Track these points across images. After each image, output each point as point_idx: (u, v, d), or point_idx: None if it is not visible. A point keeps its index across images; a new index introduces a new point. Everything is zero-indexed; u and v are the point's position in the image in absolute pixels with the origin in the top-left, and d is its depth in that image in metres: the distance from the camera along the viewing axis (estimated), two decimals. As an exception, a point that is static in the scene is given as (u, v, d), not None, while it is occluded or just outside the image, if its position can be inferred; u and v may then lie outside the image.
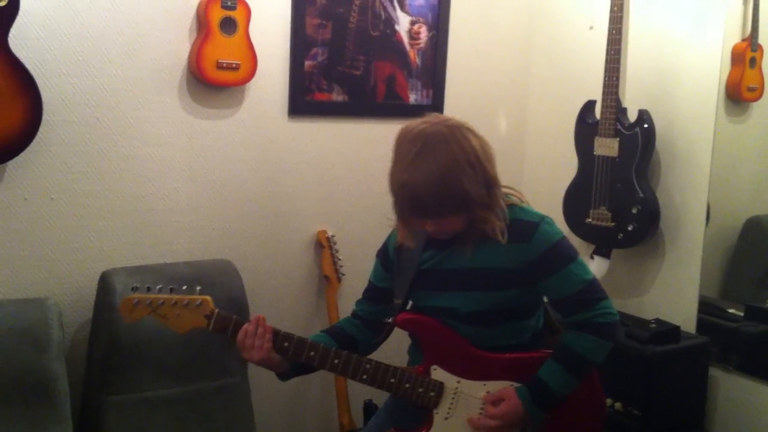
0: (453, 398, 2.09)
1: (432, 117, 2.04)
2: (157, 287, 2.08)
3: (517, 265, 2.04)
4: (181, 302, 2.06)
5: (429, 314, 2.13)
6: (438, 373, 2.10)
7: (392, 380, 2.08)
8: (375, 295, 2.32)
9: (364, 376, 2.08)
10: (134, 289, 2.08)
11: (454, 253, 2.09)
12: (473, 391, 2.10)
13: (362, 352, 2.21)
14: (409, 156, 1.96)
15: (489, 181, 1.99)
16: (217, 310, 2.07)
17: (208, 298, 2.08)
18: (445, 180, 1.91)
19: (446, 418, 2.10)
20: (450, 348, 2.11)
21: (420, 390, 2.08)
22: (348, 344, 2.22)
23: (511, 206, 2.08)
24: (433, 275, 2.13)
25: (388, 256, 2.27)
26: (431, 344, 2.12)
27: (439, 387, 2.09)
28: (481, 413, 2.09)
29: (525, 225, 2.04)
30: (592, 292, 2.06)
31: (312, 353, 2.07)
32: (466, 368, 2.10)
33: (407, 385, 2.08)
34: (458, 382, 2.10)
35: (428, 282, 2.14)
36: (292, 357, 2.09)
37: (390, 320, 2.19)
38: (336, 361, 2.07)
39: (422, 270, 2.14)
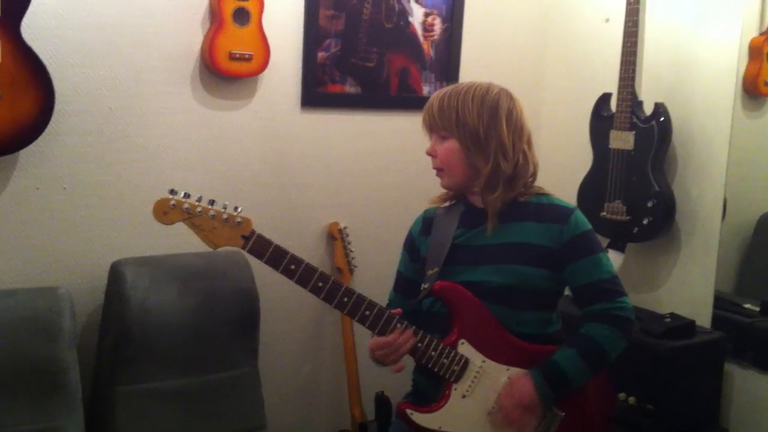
0: (475, 376, 2.08)
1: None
2: (198, 196, 2.02)
3: (551, 243, 2.08)
4: (220, 216, 2.00)
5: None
6: (465, 348, 2.08)
7: (419, 345, 2.06)
8: (405, 285, 2.31)
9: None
10: (173, 192, 2.00)
11: (484, 230, 2.13)
12: (496, 373, 2.08)
13: None
14: None
15: (499, 140, 2.08)
16: (258, 232, 2.01)
17: (250, 219, 2.02)
18: (456, 94, 2.10)
19: (464, 396, 2.08)
20: (481, 325, 2.09)
21: (445, 360, 2.07)
22: None
23: (545, 194, 2.18)
24: (465, 250, 2.15)
25: (414, 245, 2.29)
26: (463, 317, 2.09)
27: (464, 362, 2.07)
28: (499, 399, 2.07)
29: (561, 209, 2.13)
30: (615, 284, 2.11)
31: (345, 299, 2.05)
32: (493, 348, 2.08)
33: (433, 353, 2.06)
34: (483, 361, 2.08)
35: (461, 257, 2.15)
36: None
37: (426, 286, 2.16)
38: (367, 312, 2.05)
39: (455, 244, 2.16)
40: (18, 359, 2.38)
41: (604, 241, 3.19)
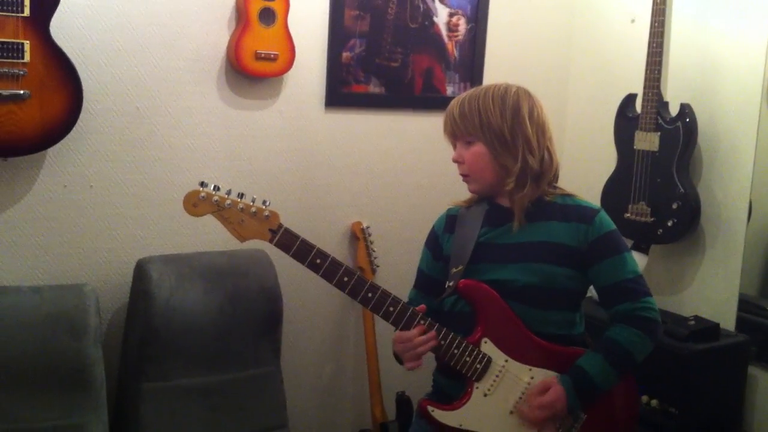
0: (498, 375, 2.08)
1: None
2: (228, 189, 2.04)
3: (577, 243, 2.08)
4: (249, 209, 2.02)
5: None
6: (488, 347, 2.08)
7: (443, 342, 2.07)
8: (426, 283, 2.30)
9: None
10: (203, 184, 2.02)
11: (509, 229, 2.13)
12: (519, 372, 2.08)
13: None
14: None
15: (525, 138, 2.09)
16: (285, 226, 2.03)
17: (277, 213, 2.04)
18: (477, 97, 2.10)
19: (485, 395, 2.08)
20: (505, 324, 2.09)
21: (467, 359, 2.06)
22: None
23: (569, 195, 2.18)
24: (489, 249, 2.14)
25: (437, 242, 2.28)
26: (487, 316, 2.09)
27: (487, 361, 2.07)
28: (521, 398, 2.07)
29: (586, 209, 2.13)
30: (640, 284, 2.11)
31: (370, 295, 2.07)
32: (516, 348, 2.08)
33: (456, 351, 2.06)
34: (506, 360, 2.08)
35: (485, 255, 2.14)
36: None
37: (451, 284, 2.16)
38: (391, 309, 2.06)
39: (480, 243, 2.15)
40: (44, 356, 2.41)
41: (628, 243, 3.19)
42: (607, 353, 2.06)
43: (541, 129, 2.12)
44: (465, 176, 2.17)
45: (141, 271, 2.67)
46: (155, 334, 2.61)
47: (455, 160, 2.17)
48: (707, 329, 2.82)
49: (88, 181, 2.71)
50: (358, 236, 3.22)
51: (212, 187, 2.03)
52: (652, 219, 3.04)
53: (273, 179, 3.06)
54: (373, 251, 3.23)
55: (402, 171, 3.34)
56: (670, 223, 3.01)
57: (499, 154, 2.09)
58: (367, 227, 3.24)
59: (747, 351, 2.88)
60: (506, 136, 2.07)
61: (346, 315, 3.28)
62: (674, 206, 2.98)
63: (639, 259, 3.14)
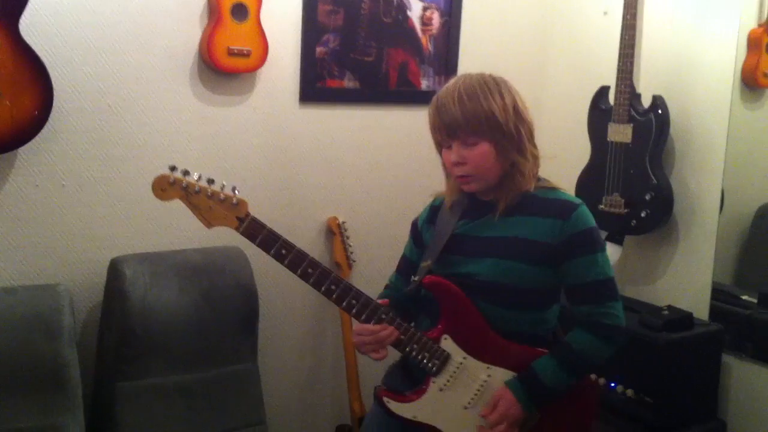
0: (455, 372, 2.09)
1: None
2: (196, 174, 2.01)
3: (551, 239, 2.03)
4: (218, 196, 2.00)
5: (455, 282, 2.11)
6: (447, 344, 2.09)
7: (402, 337, 2.08)
8: (407, 268, 2.30)
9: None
10: (173, 169, 1.99)
11: (487, 222, 2.11)
12: (476, 370, 2.09)
13: None
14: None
15: (523, 131, 2.04)
16: (252, 215, 2.01)
17: (246, 201, 2.01)
18: (474, 93, 2.00)
19: (441, 390, 2.10)
20: (467, 322, 2.09)
21: (426, 354, 2.08)
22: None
23: (552, 188, 2.13)
24: (464, 240, 2.13)
25: (418, 230, 2.29)
26: (450, 313, 2.10)
27: (445, 357, 2.09)
28: (477, 395, 2.09)
29: (566, 204, 2.07)
30: (607, 288, 2.06)
31: (333, 287, 2.07)
32: (476, 347, 2.09)
33: (415, 345, 2.08)
34: (464, 358, 2.09)
35: (458, 247, 2.13)
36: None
37: (416, 278, 2.17)
38: (354, 301, 2.06)
39: (455, 234, 2.14)
40: (18, 357, 2.39)
41: (602, 235, 3.22)
42: (561, 358, 2.04)
43: (530, 119, 2.09)
44: (466, 177, 2.08)
45: (115, 269, 2.66)
46: (131, 333, 2.59)
47: (457, 163, 2.06)
48: (681, 319, 2.84)
49: (60, 180, 2.69)
50: (335, 231, 3.22)
51: (181, 172, 2.00)
52: (626, 210, 3.07)
53: (248, 175, 3.05)
54: (350, 246, 3.23)
55: (378, 165, 3.34)
56: (643, 214, 3.03)
57: (507, 152, 2.03)
58: (343, 222, 3.24)
59: (721, 339, 2.91)
60: (512, 132, 2.02)
61: (323, 311, 3.28)
62: (647, 197, 3.01)
63: (614, 251, 3.18)
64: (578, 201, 2.10)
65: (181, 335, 2.69)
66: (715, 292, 3.02)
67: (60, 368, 2.45)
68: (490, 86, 2.03)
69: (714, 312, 3.00)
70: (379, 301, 2.10)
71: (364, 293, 2.08)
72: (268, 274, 3.00)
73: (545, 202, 2.08)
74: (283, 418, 3.23)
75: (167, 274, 2.70)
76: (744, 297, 3.04)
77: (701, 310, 3.00)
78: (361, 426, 2.39)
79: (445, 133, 2.05)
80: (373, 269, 3.30)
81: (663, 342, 2.73)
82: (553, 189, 2.13)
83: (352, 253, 3.23)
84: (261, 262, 2.97)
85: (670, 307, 2.93)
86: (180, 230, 2.91)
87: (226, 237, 2.98)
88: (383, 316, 2.07)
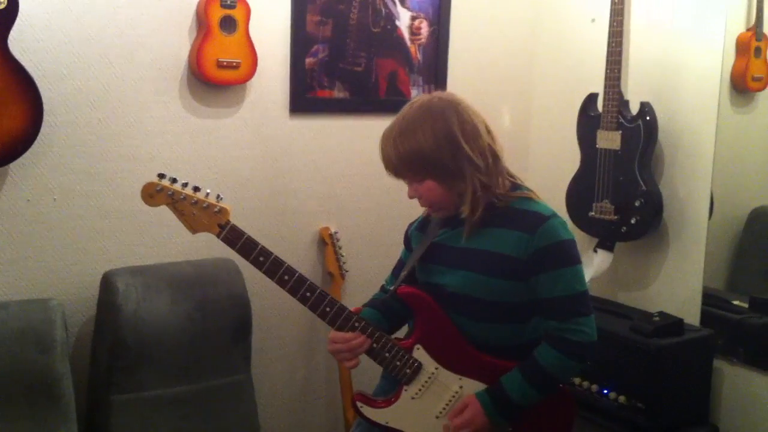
0: (426, 381, 2.12)
1: (435, 93, 2.15)
2: (183, 181, 2.11)
3: (518, 254, 2.03)
4: (201, 204, 2.08)
5: (431, 291, 2.14)
6: (420, 353, 2.12)
7: (375, 345, 2.12)
8: (400, 270, 2.32)
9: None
10: (161, 176, 2.09)
11: (461, 233, 2.12)
12: (447, 381, 2.12)
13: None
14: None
15: (468, 159, 2.02)
16: (232, 223, 2.09)
17: (228, 208, 2.10)
18: (406, 132, 2.02)
19: (413, 398, 2.13)
20: (440, 333, 2.12)
21: (397, 363, 2.12)
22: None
23: (527, 198, 2.11)
24: (440, 250, 2.16)
25: (408, 237, 2.34)
26: (423, 323, 2.14)
27: (417, 367, 2.12)
28: (448, 405, 2.11)
29: (534, 217, 2.05)
30: (575, 303, 2.04)
31: (308, 294, 2.13)
32: (448, 358, 2.12)
33: (387, 354, 2.12)
34: (436, 368, 2.12)
35: (435, 256, 2.16)
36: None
37: (391, 288, 2.22)
38: (327, 309, 2.12)
39: (434, 243, 2.17)
40: (11, 371, 2.40)
41: (593, 241, 3.24)
42: (526, 373, 2.04)
43: (475, 137, 2.04)
44: (429, 208, 2.17)
45: (107, 283, 2.66)
46: (123, 346, 2.60)
47: (411, 197, 2.14)
48: (671, 324, 2.85)
49: (51, 194, 2.69)
50: (327, 241, 3.23)
51: (169, 179, 2.09)
52: (616, 217, 3.08)
53: (239, 187, 3.06)
54: (342, 256, 3.24)
55: (369, 175, 3.35)
56: (633, 221, 3.04)
57: (450, 185, 2.05)
58: (335, 232, 3.25)
59: (712, 345, 2.92)
60: (450, 167, 2.02)
61: (316, 321, 3.21)
62: (637, 204, 3.02)
63: (604, 257, 3.19)
64: (549, 213, 2.07)
65: (175, 347, 2.69)
66: (706, 297, 3.02)
67: (53, 382, 2.46)
68: (423, 119, 2.03)
69: (705, 317, 3.01)
70: (352, 309, 2.15)
71: (338, 302, 2.13)
72: (260, 285, 3.01)
73: (516, 214, 2.07)
74: (277, 429, 3.23)
75: (160, 286, 2.71)
76: (735, 302, 3.05)
77: (692, 316, 3.01)
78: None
79: (391, 174, 2.11)
80: (366, 278, 3.30)
81: (654, 348, 2.73)
82: (528, 199, 2.11)
83: (344, 263, 3.24)
84: (253, 274, 2.93)
85: (661, 313, 2.93)
86: (172, 243, 2.92)
87: (218, 249, 2.98)
88: (356, 325, 2.12)
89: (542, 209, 2.08)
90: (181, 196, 2.08)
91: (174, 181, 2.10)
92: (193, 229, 2.11)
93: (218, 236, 2.10)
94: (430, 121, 2.02)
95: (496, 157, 2.07)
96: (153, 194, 2.09)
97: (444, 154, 2.01)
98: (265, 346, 3.16)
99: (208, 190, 2.12)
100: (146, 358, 2.65)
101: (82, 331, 2.79)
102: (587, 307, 2.05)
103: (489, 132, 2.09)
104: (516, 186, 2.14)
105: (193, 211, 2.09)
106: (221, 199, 2.11)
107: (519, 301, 2.07)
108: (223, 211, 2.09)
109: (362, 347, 2.11)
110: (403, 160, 2.04)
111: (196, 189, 2.10)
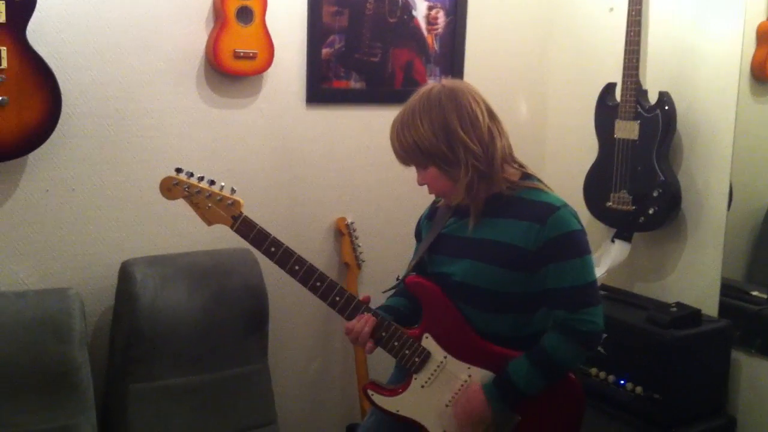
0: (435, 370, 2.14)
1: (442, 81, 2.18)
2: (199, 176, 2.23)
3: (527, 244, 2.03)
4: (215, 197, 2.21)
5: (438, 281, 2.16)
6: (428, 342, 2.15)
7: (383, 334, 2.15)
8: (417, 263, 2.34)
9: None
10: (179, 170, 2.23)
11: (468, 224, 2.14)
12: (456, 370, 2.13)
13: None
14: None
15: (464, 145, 2.04)
16: (244, 215, 2.20)
17: (241, 201, 2.22)
18: (407, 123, 2.10)
19: (423, 386, 2.16)
20: (447, 322, 2.14)
21: (406, 352, 2.15)
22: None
23: (536, 189, 2.11)
24: (448, 240, 2.18)
25: (419, 229, 2.37)
26: (431, 313, 2.17)
27: (426, 355, 2.14)
28: (458, 393, 2.13)
29: (544, 207, 2.06)
30: (583, 293, 2.04)
31: (318, 284, 2.21)
32: (456, 346, 2.14)
33: (396, 343, 2.15)
34: (445, 357, 2.14)
35: (443, 247, 2.19)
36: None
37: (399, 278, 2.26)
38: (337, 298, 2.18)
39: (441, 234, 2.20)
40: (30, 360, 2.42)
41: (610, 232, 3.22)
42: (534, 361, 2.05)
43: (474, 123, 2.05)
44: (436, 194, 2.22)
45: (125, 273, 2.68)
46: (141, 336, 2.62)
47: (420, 184, 2.19)
48: (689, 315, 2.84)
49: (69, 185, 2.71)
50: (343, 232, 3.23)
51: (186, 174, 2.23)
52: (634, 207, 3.06)
53: (256, 177, 3.07)
54: (358, 246, 3.24)
55: (385, 165, 3.34)
56: (651, 211, 3.03)
57: (449, 172, 2.08)
58: (352, 223, 3.25)
59: (729, 336, 2.90)
60: (446, 153, 2.05)
61: (332, 311, 3.29)
62: (655, 194, 3.00)
63: (622, 248, 3.18)
64: (559, 203, 2.07)
65: (192, 337, 2.71)
66: (724, 288, 3.01)
67: (71, 371, 2.48)
68: (422, 108, 2.08)
69: (723, 308, 2.99)
70: (362, 297, 2.20)
71: (348, 291, 2.19)
72: (277, 275, 2.98)
73: (526, 205, 2.08)
74: (293, 418, 3.24)
75: (177, 276, 2.73)
76: (754, 293, 3.03)
77: (710, 307, 2.99)
78: (362, 422, 2.44)
79: (401, 162, 2.18)
80: (383, 269, 3.31)
81: (671, 339, 2.73)
82: (538, 190, 2.11)
83: (361, 253, 3.24)
84: (270, 264, 2.97)
85: (678, 304, 2.93)
86: (189, 233, 2.93)
87: (235, 239, 2.99)
88: (364, 313, 2.16)
89: (552, 200, 2.08)
90: (197, 190, 2.21)
91: (190, 175, 2.21)
92: (209, 221, 2.23)
93: (232, 227, 2.20)
94: (428, 109, 2.07)
95: (496, 140, 2.08)
96: (170, 188, 2.22)
97: (440, 142, 2.05)
98: (281, 336, 3.18)
99: (222, 183, 2.23)
100: (163, 348, 2.66)
101: (101, 320, 2.81)
102: (596, 297, 2.06)
103: (492, 115, 2.11)
104: (526, 176, 2.15)
105: (208, 203, 2.21)
106: (235, 192, 2.21)
107: (525, 292, 2.08)
108: (236, 204, 2.20)
109: (365, 331, 2.14)
110: (405, 149, 2.11)
111: (212, 182, 2.22)
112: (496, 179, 2.08)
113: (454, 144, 2.05)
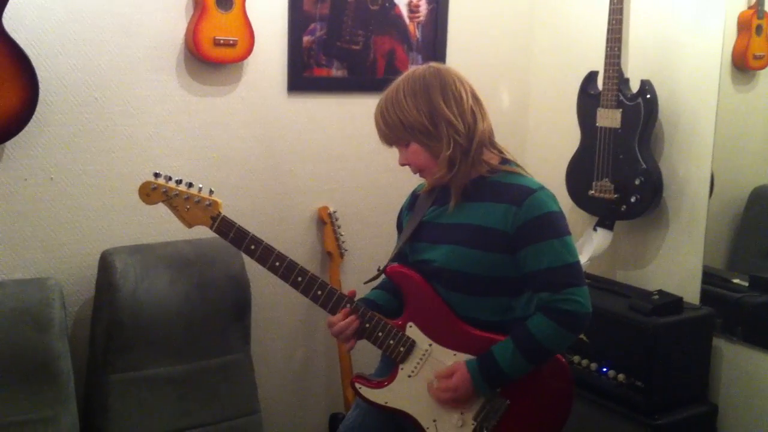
0: (421, 359, 2.14)
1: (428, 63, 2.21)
2: (177, 179, 2.26)
3: (505, 227, 2.04)
4: (194, 198, 2.24)
5: (420, 269, 2.16)
6: (412, 331, 2.14)
7: (367, 325, 2.15)
8: (398, 254, 2.33)
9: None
10: (156, 175, 2.26)
11: (447, 209, 2.15)
12: (442, 357, 2.13)
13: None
14: None
15: (447, 120, 2.07)
16: (223, 215, 2.22)
17: (219, 201, 2.24)
18: (392, 102, 2.13)
19: (409, 376, 2.15)
20: (430, 310, 2.14)
21: (391, 342, 2.14)
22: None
23: (514, 173, 2.13)
24: (429, 227, 2.19)
25: (400, 219, 2.37)
26: (413, 301, 2.16)
27: (410, 344, 2.14)
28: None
29: (521, 189, 2.07)
30: (565, 275, 2.03)
31: (299, 279, 2.21)
32: (441, 333, 2.13)
33: (380, 334, 2.15)
34: (430, 344, 2.13)
35: (424, 234, 2.19)
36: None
37: (380, 268, 2.24)
38: (319, 292, 2.18)
39: (422, 221, 2.20)
40: (9, 350, 2.39)
41: (592, 220, 3.23)
42: (519, 342, 2.04)
43: (457, 100, 2.09)
44: (418, 173, 2.22)
45: (105, 262, 2.66)
46: (121, 326, 2.59)
47: (402, 164, 2.21)
48: (671, 303, 2.85)
49: (48, 174, 2.68)
50: (325, 221, 3.22)
51: (164, 178, 2.25)
52: (616, 195, 3.07)
53: (237, 166, 3.05)
54: (341, 235, 3.23)
55: (367, 154, 3.34)
56: (633, 199, 3.03)
57: (431, 147, 2.10)
58: (334, 212, 3.24)
59: (711, 323, 2.91)
60: (428, 127, 2.08)
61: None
62: (637, 182, 3.01)
63: (604, 236, 3.18)
64: (536, 186, 2.09)
65: (173, 327, 2.69)
66: (706, 275, 3.02)
67: (51, 361, 2.46)
68: (406, 83, 2.13)
69: (705, 296, 3.00)
70: (347, 292, 2.19)
71: (328, 284, 2.18)
72: (259, 265, 2.99)
73: (503, 188, 2.09)
74: (277, 408, 3.23)
75: (158, 265, 2.70)
76: (735, 280, 3.04)
77: (692, 294, 3.00)
78: (346, 415, 2.42)
79: (384, 141, 2.21)
80: (365, 258, 3.30)
81: (653, 326, 2.74)
82: (516, 173, 2.13)
83: (343, 242, 3.23)
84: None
85: (660, 292, 2.93)
86: (170, 222, 2.86)
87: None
88: (347, 306, 2.16)
89: (529, 182, 2.10)
90: (175, 193, 2.24)
91: (169, 179, 2.25)
92: (188, 224, 2.26)
93: (211, 228, 2.24)
94: (412, 86, 2.11)
95: (479, 121, 2.11)
96: (149, 193, 2.27)
97: (422, 115, 2.08)
98: (264, 325, 3.16)
99: (201, 185, 2.25)
100: (144, 338, 2.64)
101: (81, 310, 2.79)
102: (578, 278, 2.04)
103: (476, 98, 2.14)
104: (505, 161, 2.17)
105: (187, 206, 2.24)
106: (213, 193, 2.25)
107: (506, 276, 2.08)
108: (214, 204, 2.23)
109: (351, 327, 2.14)
110: (388, 125, 2.13)
111: (190, 185, 2.26)
112: (477, 160, 2.10)
113: (436, 119, 2.07)
